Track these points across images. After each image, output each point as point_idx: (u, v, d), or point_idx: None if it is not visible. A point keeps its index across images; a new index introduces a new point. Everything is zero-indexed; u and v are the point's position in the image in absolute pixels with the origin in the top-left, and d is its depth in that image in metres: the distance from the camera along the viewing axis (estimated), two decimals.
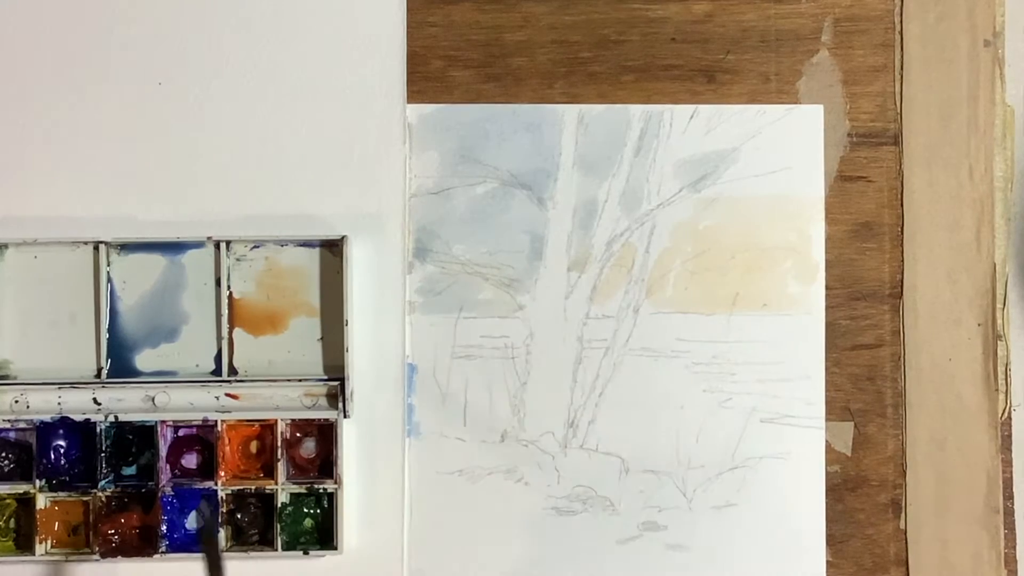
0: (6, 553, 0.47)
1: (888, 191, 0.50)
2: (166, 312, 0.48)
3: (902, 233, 0.50)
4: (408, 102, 0.49)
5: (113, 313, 0.48)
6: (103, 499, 0.47)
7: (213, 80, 0.49)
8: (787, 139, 0.50)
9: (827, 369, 0.50)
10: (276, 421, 0.47)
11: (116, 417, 0.47)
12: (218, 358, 0.48)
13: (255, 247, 0.48)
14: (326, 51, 0.49)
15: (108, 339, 0.48)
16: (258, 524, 0.48)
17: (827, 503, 0.50)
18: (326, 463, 0.48)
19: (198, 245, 0.48)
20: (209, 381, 0.48)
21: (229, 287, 0.48)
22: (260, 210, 0.49)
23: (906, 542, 0.50)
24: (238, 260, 0.48)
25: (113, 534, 0.47)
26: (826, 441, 0.50)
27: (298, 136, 0.49)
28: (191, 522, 0.48)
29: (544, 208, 0.50)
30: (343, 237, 0.47)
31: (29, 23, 0.49)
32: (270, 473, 0.48)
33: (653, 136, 0.50)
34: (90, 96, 0.49)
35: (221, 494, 0.47)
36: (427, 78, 0.50)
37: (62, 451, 0.48)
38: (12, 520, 0.48)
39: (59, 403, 0.47)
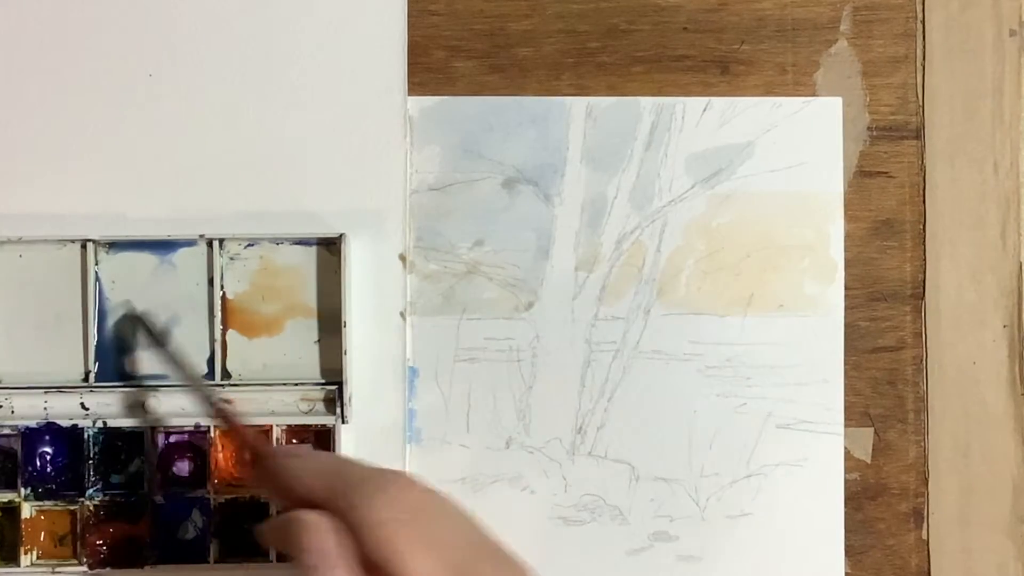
0: None
1: (909, 187, 0.49)
2: (157, 313, 0.47)
3: (924, 231, 0.49)
4: (409, 94, 0.48)
5: (101, 314, 0.47)
6: (91, 508, 0.46)
7: (206, 71, 0.48)
8: (804, 133, 0.49)
9: (846, 373, 0.48)
10: (271, 427, 0.46)
11: (104, 423, 0.46)
12: (211, 361, 0.47)
13: (249, 245, 0.47)
14: (323, 41, 0.48)
15: (96, 341, 0.47)
16: (253, 534, 0.47)
17: (846, 512, 0.48)
18: None
19: (190, 243, 0.47)
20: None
21: (222, 287, 0.47)
22: (254, 207, 0.47)
23: (928, 553, 0.48)
24: (232, 259, 0.47)
25: (101, 544, 0.46)
26: (845, 448, 0.48)
27: (294, 130, 0.48)
28: (183, 532, 0.47)
29: (551, 205, 0.48)
30: (341, 235, 0.46)
31: (11, 11, 0.48)
32: None
33: (664, 130, 0.48)
34: (77, 88, 0.48)
35: (214, 503, 0.46)
36: (429, 69, 0.48)
37: (48, 458, 0.47)
38: None
39: (45, 408, 0.46)
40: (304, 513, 0.34)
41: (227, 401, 0.44)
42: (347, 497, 0.34)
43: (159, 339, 0.46)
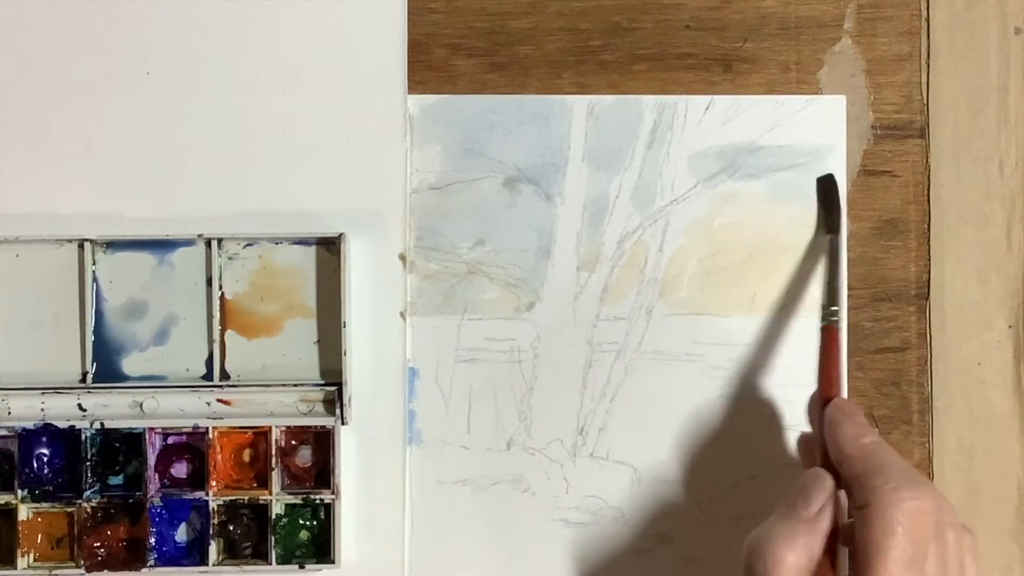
0: None
1: (914, 186, 0.48)
2: (155, 314, 0.47)
3: (929, 230, 0.48)
4: (409, 93, 0.48)
5: (99, 315, 0.46)
6: (88, 510, 0.46)
7: (204, 70, 0.47)
8: (808, 132, 0.48)
9: (850, 373, 0.48)
10: (270, 428, 0.46)
11: (102, 424, 0.46)
12: (209, 362, 0.46)
13: (248, 245, 0.47)
14: (323, 39, 0.48)
15: (93, 342, 0.46)
16: (252, 537, 0.46)
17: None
18: (323, 472, 0.46)
19: (188, 243, 0.46)
20: (200, 386, 0.46)
21: (221, 287, 0.47)
22: (253, 206, 0.47)
23: None
24: (230, 259, 0.47)
25: (99, 547, 0.46)
26: None
27: (293, 129, 0.47)
28: (181, 534, 0.46)
29: (552, 204, 0.48)
30: (341, 235, 0.46)
31: (8, 9, 0.47)
32: (264, 483, 0.46)
33: (667, 128, 0.48)
34: (75, 87, 0.47)
35: (212, 505, 0.46)
36: (429, 67, 0.48)
37: (45, 460, 0.46)
38: None
39: (42, 409, 0.46)
40: (826, 475, 0.40)
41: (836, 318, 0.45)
42: (873, 477, 0.38)
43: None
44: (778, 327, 0.48)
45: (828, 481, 0.39)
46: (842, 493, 0.40)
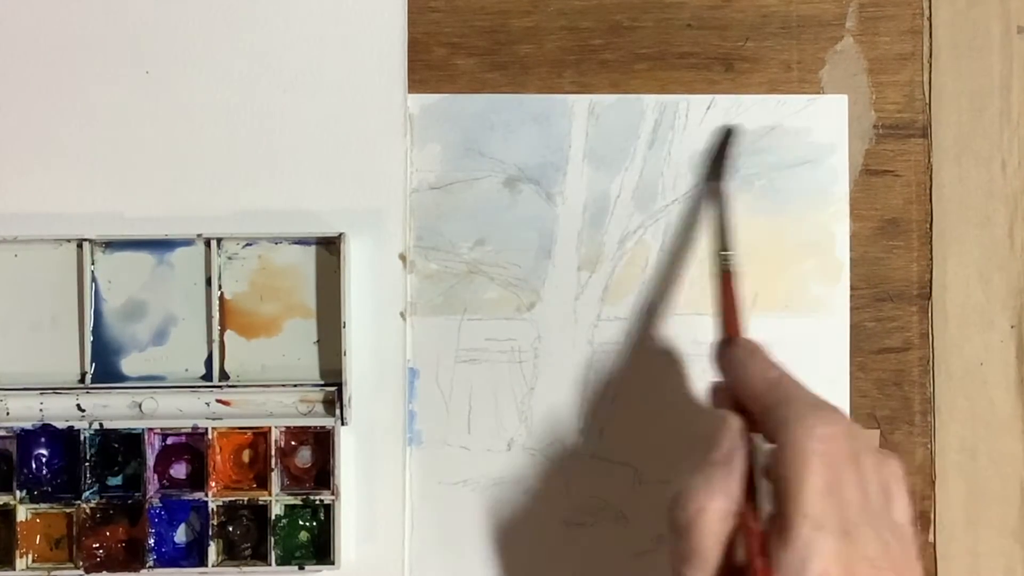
0: None
1: (916, 186, 0.48)
2: (154, 314, 0.46)
3: (931, 230, 0.48)
4: (409, 92, 0.48)
5: (98, 315, 0.46)
6: (87, 511, 0.45)
7: (203, 69, 0.47)
8: (809, 131, 0.48)
9: (852, 374, 0.48)
10: (270, 429, 0.46)
11: (101, 424, 0.45)
12: (209, 362, 0.46)
13: (248, 245, 0.47)
14: (322, 38, 0.47)
15: (92, 342, 0.46)
16: (251, 538, 0.46)
17: None
18: (323, 473, 0.46)
19: (187, 243, 0.46)
20: (199, 386, 0.46)
21: (220, 287, 0.46)
22: (253, 206, 0.47)
23: (935, 556, 0.48)
24: (230, 259, 0.47)
25: (98, 548, 0.46)
26: None
27: (293, 128, 0.47)
28: (180, 535, 0.46)
29: (553, 204, 0.48)
30: (341, 235, 0.46)
31: (6, 8, 0.47)
32: (263, 484, 0.46)
33: (668, 128, 0.48)
34: (73, 85, 0.47)
35: (211, 506, 0.45)
36: (429, 66, 0.48)
37: (44, 460, 0.46)
38: None
39: (41, 409, 0.45)
40: (731, 415, 0.38)
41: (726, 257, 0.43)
42: (781, 410, 0.36)
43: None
44: (779, 327, 0.48)
45: (732, 420, 0.38)
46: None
